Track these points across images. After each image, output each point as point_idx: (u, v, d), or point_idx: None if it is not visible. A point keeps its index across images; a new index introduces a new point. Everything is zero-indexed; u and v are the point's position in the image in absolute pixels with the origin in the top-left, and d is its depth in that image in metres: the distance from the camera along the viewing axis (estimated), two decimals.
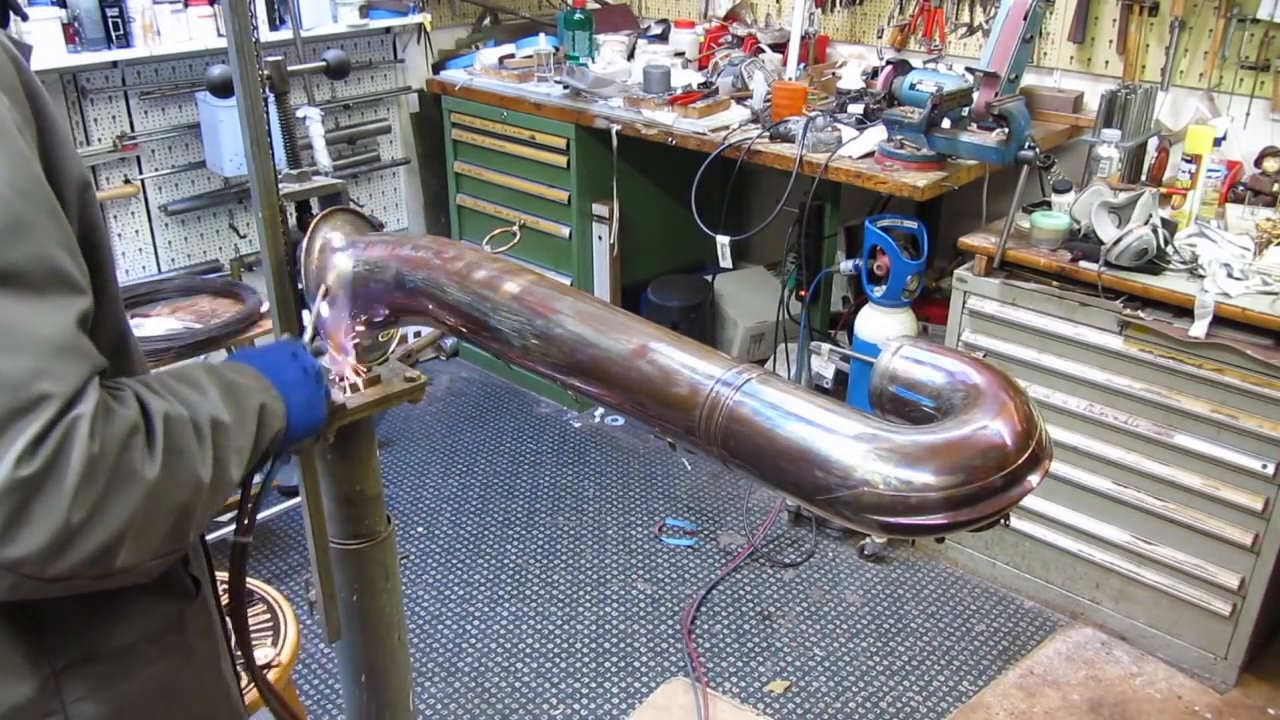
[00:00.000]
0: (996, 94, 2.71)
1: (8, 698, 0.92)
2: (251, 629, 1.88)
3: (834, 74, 3.58)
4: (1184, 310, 2.47)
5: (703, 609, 2.96)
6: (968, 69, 2.96)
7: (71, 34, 3.07)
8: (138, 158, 3.47)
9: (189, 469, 0.87)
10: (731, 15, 4.09)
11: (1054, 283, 2.67)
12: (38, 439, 0.76)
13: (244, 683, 1.27)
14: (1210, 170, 2.72)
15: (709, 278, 3.93)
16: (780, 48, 3.73)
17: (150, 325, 2.72)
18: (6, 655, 0.92)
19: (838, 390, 3.27)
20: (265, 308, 2.80)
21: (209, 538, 1.23)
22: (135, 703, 1.00)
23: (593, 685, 2.71)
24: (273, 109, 1.27)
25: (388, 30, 3.96)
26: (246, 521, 1.17)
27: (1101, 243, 2.56)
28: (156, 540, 0.85)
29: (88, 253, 0.90)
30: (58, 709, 0.94)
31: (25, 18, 1.09)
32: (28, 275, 0.79)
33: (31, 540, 0.77)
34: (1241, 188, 2.78)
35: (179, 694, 1.06)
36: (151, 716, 1.02)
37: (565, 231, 3.75)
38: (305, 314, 1.30)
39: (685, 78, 3.54)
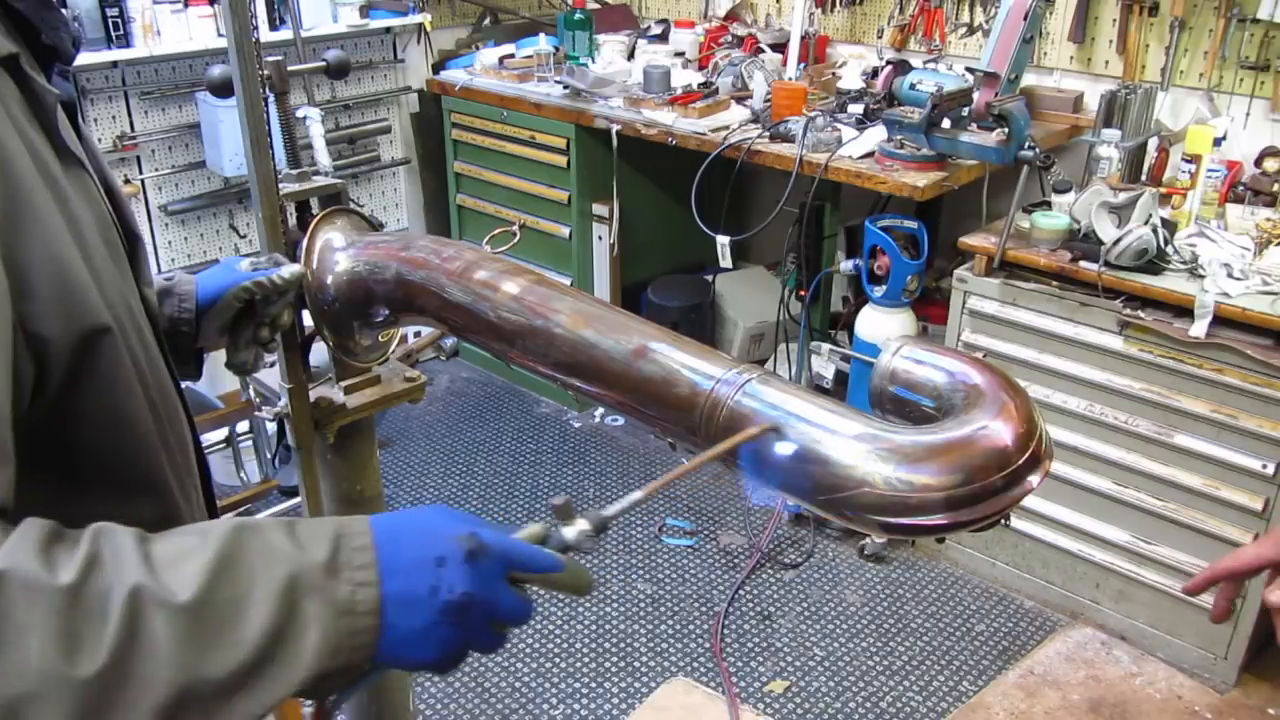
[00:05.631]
0: (996, 94, 2.71)
1: None
2: None
3: (834, 74, 3.58)
4: (1184, 310, 2.47)
5: (703, 609, 2.96)
6: (968, 69, 2.96)
7: None
8: (138, 158, 3.47)
9: (21, 653, 0.63)
10: (731, 15, 4.08)
11: (1054, 283, 2.67)
12: None
13: None
14: (1210, 170, 2.72)
15: (709, 278, 3.93)
16: (780, 48, 3.72)
17: None
18: None
19: (838, 390, 3.27)
20: None
21: None
22: None
23: (593, 685, 2.70)
24: (273, 109, 1.27)
25: (388, 30, 3.95)
26: None
27: (1101, 243, 2.56)
28: None
29: (95, 417, 0.78)
30: None
31: (68, 61, 0.88)
32: None
33: None
34: (1241, 188, 2.77)
35: None
36: None
37: (565, 231, 3.74)
38: (305, 314, 1.29)
39: (685, 78, 3.54)
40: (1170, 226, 2.60)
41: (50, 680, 0.62)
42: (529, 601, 0.81)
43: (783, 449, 0.93)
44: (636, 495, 0.86)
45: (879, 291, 3.04)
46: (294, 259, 1.28)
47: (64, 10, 0.90)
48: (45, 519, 0.69)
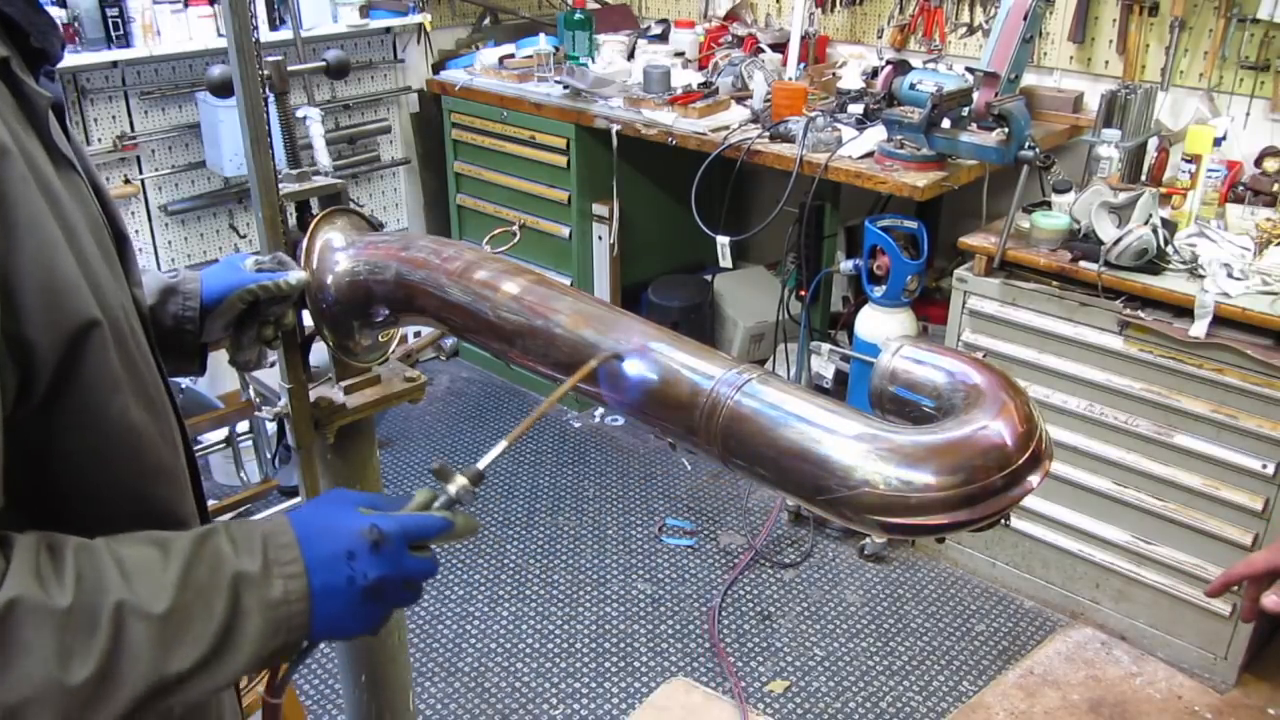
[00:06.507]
0: (996, 94, 2.71)
1: None
2: None
3: (834, 74, 3.58)
4: (1184, 310, 2.47)
5: (703, 609, 2.96)
6: (968, 69, 2.96)
7: (71, 34, 3.07)
8: (138, 158, 3.47)
9: (25, 667, 0.71)
10: (731, 15, 4.09)
11: (1054, 283, 2.67)
12: None
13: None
14: (1210, 170, 2.72)
15: (709, 278, 3.93)
16: (780, 48, 3.73)
17: None
18: None
19: (838, 390, 3.27)
20: None
21: None
22: None
23: (593, 685, 2.70)
24: (273, 109, 1.27)
25: (388, 30, 3.96)
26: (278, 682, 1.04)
27: (1101, 243, 2.56)
28: None
29: (79, 407, 0.80)
30: None
31: (54, 62, 0.88)
32: None
33: None
34: (1241, 188, 2.78)
35: None
36: None
37: (565, 231, 3.75)
38: (305, 314, 1.29)
39: (685, 78, 3.54)
40: (1170, 226, 2.60)
41: (47, 688, 0.72)
42: (433, 560, 0.97)
43: (631, 369, 1.02)
44: (502, 445, 1.02)
45: (879, 291, 3.04)
46: (294, 259, 1.28)
47: (61, 10, 0.91)
48: (30, 530, 0.76)
